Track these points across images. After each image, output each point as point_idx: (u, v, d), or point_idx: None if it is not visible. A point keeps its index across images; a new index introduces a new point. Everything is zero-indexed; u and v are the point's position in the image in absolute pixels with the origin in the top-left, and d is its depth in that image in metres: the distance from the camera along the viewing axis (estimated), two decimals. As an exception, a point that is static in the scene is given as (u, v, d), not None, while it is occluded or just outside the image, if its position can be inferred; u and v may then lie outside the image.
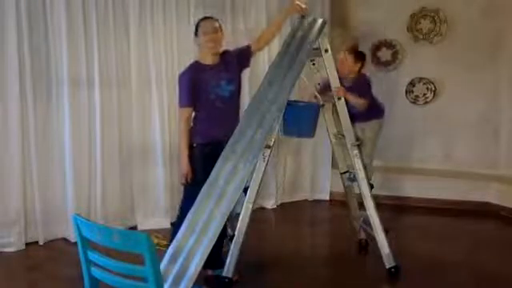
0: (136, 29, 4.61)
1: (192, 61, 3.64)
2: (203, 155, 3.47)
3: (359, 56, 4.61)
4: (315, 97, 3.85)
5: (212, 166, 3.14)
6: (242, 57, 3.70)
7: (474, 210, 5.29)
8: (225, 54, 3.62)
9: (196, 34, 3.59)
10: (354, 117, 4.00)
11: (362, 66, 4.64)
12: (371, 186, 3.84)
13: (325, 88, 3.86)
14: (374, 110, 4.58)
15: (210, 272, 3.52)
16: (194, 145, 3.53)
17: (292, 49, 3.53)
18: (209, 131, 3.51)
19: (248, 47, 3.73)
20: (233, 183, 3.01)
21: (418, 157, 5.72)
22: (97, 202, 4.54)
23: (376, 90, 4.66)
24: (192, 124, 3.57)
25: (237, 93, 3.64)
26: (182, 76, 3.59)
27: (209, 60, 3.56)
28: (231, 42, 4.33)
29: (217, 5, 4.90)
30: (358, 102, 4.09)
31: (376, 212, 3.68)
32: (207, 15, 3.73)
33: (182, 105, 3.56)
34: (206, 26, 3.56)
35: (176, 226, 3.42)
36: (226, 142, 3.24)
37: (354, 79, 4.49)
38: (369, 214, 3.70)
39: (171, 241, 2.97)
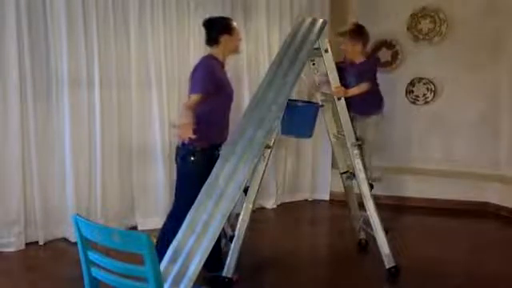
0: (136, 29, 4.60)
1: (206, 54, 3.52)
2: (206, 161, 3.29)
3: (355, 35, 4.18)
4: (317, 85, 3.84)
5: (209, 172, 3.09)
6: None
7: (474, 210, 5.30)
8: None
9: (229, 32, 3.44)
10: (354, 109, 3.90)
11: (365, 45, 4.29)
12: (371, 186, 3.84)
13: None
14: (375, 103, 4.32)
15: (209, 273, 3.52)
16: (198, 149, 3.30)
17: (292, 49, 3.53)
18: (216, 135, 3.40)
19: None
20: (233, 183, 3.01)
21: (418, 157, 5.72)
22: (97, 201, 4.53)
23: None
24: (199, 126, 3.17)
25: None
26: (206, 65, 3.38)
27: (224, 59, 3.48)
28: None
29: (217, 5, 4.90)
30: (361, 90, 3.93)
31: (376, 212, 3.68)
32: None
33: (196, 91, 3.27)
34: (237, 29, 3.52)
35: (158, 247, 2.66)
36: (219, 145, 3.20)
37: (362, 64, 4.19)
38: (369, 214, 3.71)
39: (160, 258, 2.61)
